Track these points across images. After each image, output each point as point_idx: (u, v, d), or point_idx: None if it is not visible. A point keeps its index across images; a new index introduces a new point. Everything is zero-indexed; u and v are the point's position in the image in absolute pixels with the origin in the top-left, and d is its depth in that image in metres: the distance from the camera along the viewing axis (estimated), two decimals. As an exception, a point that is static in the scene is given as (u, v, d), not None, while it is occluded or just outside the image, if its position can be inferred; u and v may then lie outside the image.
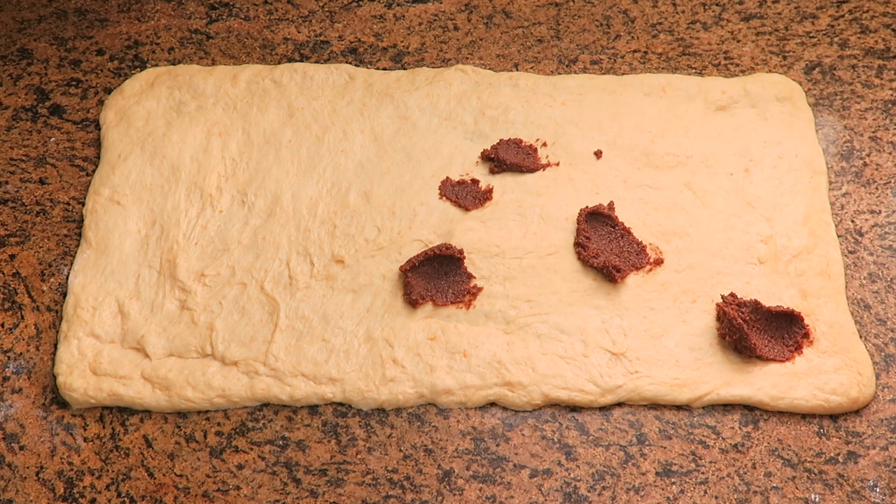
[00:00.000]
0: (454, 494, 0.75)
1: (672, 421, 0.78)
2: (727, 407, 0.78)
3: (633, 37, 1.02)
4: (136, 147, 0.92)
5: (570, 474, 0.75)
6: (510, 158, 0.90)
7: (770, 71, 0.99)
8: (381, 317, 0.81)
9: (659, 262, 0.84)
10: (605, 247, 0.85)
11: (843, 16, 1.03)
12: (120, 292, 0.83)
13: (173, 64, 1.00)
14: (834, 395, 0.77)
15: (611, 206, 0.87)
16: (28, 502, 0.75)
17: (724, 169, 0.90)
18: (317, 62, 1.00)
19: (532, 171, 0.90)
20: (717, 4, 1.05)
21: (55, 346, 0.82)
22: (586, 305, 0.82)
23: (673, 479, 0.75)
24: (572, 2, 1.05)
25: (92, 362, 0.79)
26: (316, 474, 0.76)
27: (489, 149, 0.91)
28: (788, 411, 0.78)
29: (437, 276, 0.83)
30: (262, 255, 0.85)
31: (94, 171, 0.92)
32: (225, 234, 0.86)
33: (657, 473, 0.75)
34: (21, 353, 0.81)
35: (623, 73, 0.99)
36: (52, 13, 1.05)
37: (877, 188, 0.91)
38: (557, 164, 0.91)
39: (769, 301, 0.81)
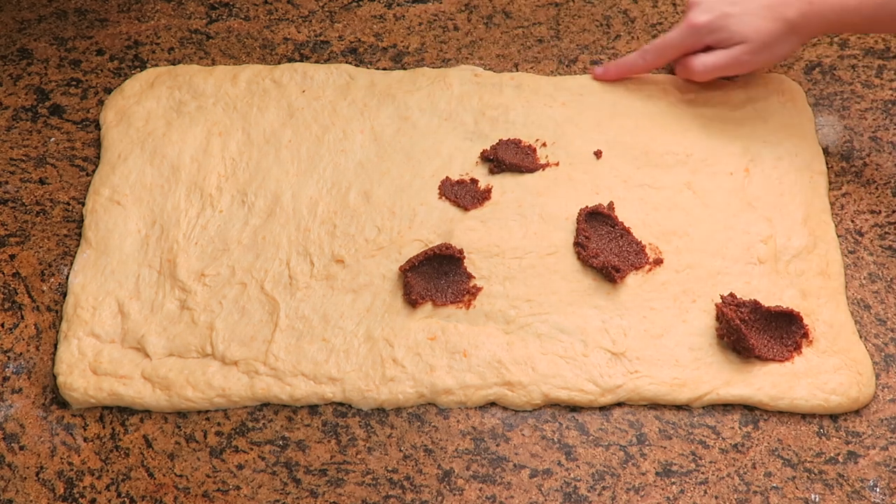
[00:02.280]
0: (454, 494, 0.75)
1: (672, 421, 0.78)
2: (727, 407, 0.78)
3: (633, 37, 1.02)
4: (136, 147, 0.92)
5: (570, 474, 0.75)
6: (509, 158, 0.90)
7: (770, 71, 0.99)
8: (381, 317, 0.81)
9: (658, 261, 0.84)
10: (605, 247, 0.85)
11: (843, 16, 1.03)
12: (120, 292, 0.83)
13: (173, 64, 1.00)
14: (834, 395, 0.77)
15: (611, 205, 0.87)
16: (28, 502, 0.75)
17: (724, 168, 0.90)
18: (317, 62, 1.00)
19: (531, 171, 0.90)
20: (717, 4, 1.05)
21: (55, 346, 0.82)
22: (586, 305, 0.82)
23: (673, 479, 0.75)
24: (572, 2, 1.06)
25: (92, 362, 0.79)
26: (316, 474, 0.76)
27: (488, 149, 0.91)
28: (788, 411, 0.78)
29: (436, 275, 0.83)
30: (262, 255, 0.85)
31: (94, 171, 0.92)
32: (225, 234, 0.86)
33: (657, 473, 0.75)
34: (21, 353, 0.81)
35: (623, 73, 0.99)
36: (52, 13, 1.05)
37: (877, 188, 0.91)
38: (557, 164, 0.91)
39: (769, 301, 0.81)
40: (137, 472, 0.76)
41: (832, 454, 0.76)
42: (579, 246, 0.85)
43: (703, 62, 0.91)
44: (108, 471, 0.76)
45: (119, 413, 0.79)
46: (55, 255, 0.87)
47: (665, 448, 0.76)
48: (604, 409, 0.78)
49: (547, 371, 0.78)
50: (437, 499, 0.75)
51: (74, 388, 0.78)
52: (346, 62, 1.01)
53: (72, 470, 0.76)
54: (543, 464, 0.76)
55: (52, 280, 0.85)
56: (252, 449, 0.77)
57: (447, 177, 0.90)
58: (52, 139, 0.95)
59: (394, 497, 0.75)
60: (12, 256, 0.87)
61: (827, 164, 0.92)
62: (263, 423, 0.78)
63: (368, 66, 1.00)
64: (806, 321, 0.81)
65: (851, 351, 0.80)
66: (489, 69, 1.00)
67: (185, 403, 0.78)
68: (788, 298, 0.82)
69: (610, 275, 0.82)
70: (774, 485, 0.75)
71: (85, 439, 0.77)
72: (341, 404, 0.79)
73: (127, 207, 0.88)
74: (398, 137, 0.93)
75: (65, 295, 0.84)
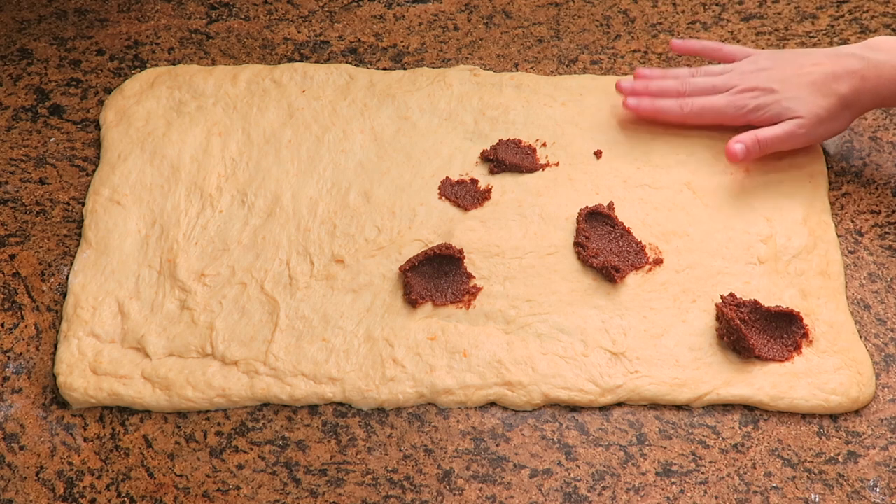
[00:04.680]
0: (454, 494, 0.75)
1: (672, 421, 0.78)
2: (727, 407, 0.78)
3: (633, 37, 1.02)
4: (136, 147, 0.92)
5: (570, 474, 0.75)
6: (509, 158, 0.90)
7: (770, 71, 0.99)
8: (381, 316, 0.81)
9: (658, 261, 0.84)
10: (605, 247, 0.85)
11: (842, 16, 1.03)
12: (120, 292, 0.83)
13: (173, 64, 1.00)
14: (834, 395, 0.77)
15: (610, 205, 0.87)
16: (28, 502, 0.75)
17: (724, 168, 0.90)
18: (317, 62, 1.00)
19: (531, 171, 0.90)
20: (717, 4, 1.05)
21: (55, 346, 0.82)
22: (586, 305, 0.82)
23: (673, 479, 0.75)
24: (572, 2, 1.06)
25: (92, 362, 0.79)
26: (316, 474, 0.76)
27: (488, 149, 0.91)
28: (788, 411, 0.78)
29: (436, 275, 0.83)
30: (262, 255, 0.85)
31: (94, 171, 0.92)
32: (225, 234, 0.86)
33: (657, 473, 0.75)
34: (21, 353, 0.81)
35: (623, 74, 0.99)
36: (52, 13, 1.05)
37: (877, 188, 0.91)
38: (557, 164, 0.91)
39: (769, 301, 0.81)
40: (137, 472, 0.76)
41: (832, 454, 0.76)
42: (579, 246, 0.85)
43: (759, 136, 0.86)
44: (108, 471, 0.76)
45: (119, 413, 0.79)
46: (55, 255, 0.87)
47: (665, 448, 0.76)
48: (604, 409, 0.78)
49: (547, 371, 0.78)
50: (437, 499, 0.75)
51: (74, 388, 0.78)
52: (346, 62, 1.01)
53: (72, 470, 0.76)
54: (543, 464, 0.76)
55: (52, 280, 0.85)
56: (252, 449, 0.77)
57: (447, 177, 0.90)
58: (52, 139, 0.95)
59: (394, 497, 0.75)
60: (12, 256, 0.87)
61: (827, 164, 0.92)
62: (263, 423, 0.78)
63: (368, 66, 1.00)
64: (806, 321, 0.81)
65: (851, 351, 0.80)
66: (489, 69, 1.00)
67: (185, 403, 0.78)
68: (788, 298, 0.82)
69: (610, 275, 0.82)
70: (774, 485, 0.75)
71: (85, 439, 0.77)
72: (341, 404, 0.79)
73: (127, 207, 0.88)
74: (398, 137, 0.93)
75: (65, 295, 0.84)
